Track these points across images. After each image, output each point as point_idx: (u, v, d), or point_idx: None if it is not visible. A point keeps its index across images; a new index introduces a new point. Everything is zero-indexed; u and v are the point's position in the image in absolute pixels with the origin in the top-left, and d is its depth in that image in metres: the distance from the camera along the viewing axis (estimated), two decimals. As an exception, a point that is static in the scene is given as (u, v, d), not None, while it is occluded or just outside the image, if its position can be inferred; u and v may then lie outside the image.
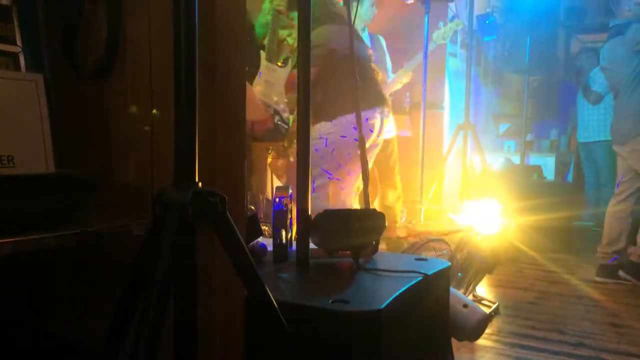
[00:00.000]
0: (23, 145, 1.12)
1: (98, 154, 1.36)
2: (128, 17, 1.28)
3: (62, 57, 1.31)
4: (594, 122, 5.69)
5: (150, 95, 1.28)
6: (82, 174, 1.20)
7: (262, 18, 3.21)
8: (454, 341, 2.02)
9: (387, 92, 3.94)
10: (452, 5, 5.10)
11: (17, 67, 1.22)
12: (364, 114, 2.54)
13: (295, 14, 3.27)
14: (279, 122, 2.70)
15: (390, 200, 4.08)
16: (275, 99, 2.70)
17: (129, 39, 1.29)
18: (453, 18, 4.45)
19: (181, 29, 0.91)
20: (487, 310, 2.63)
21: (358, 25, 3.93)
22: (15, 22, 1.23)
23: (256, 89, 2.68)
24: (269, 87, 2.70)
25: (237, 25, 1.25)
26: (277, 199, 1.74)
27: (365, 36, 4.03)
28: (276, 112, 2.68)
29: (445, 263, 1.75)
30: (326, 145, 2.77)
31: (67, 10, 1.32)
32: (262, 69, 2.72)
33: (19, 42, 1.22)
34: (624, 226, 3.84)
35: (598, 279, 3.90)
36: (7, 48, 1.20)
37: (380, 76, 3.09)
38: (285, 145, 3.25)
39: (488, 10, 5.83)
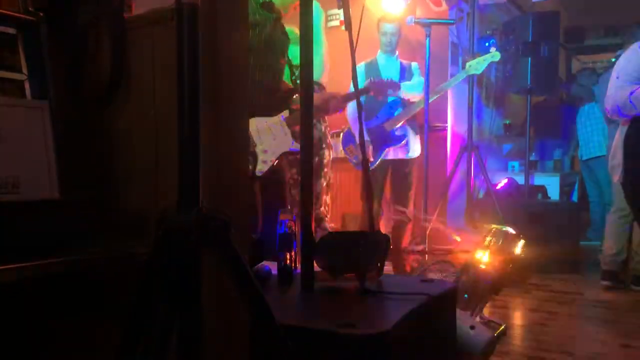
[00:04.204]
0: (28, 171, 1.13)
1: (102, 179, 1.37)
2: (132, 47, 1.30)
3: (67, 84, 1.32)
4: (594, 138, 5.72)
5: (153, 121, 1.29)
6: (86, 199, 1.20)
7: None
8: (461, 364, 1.99)
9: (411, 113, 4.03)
10: (453, 27, 5.15)
11: (23, 95, 1.23)
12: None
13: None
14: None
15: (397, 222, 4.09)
16: (262, 147, 2.70)
17: (133, 67, 1.31)
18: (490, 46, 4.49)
19: (184, 58, 0.92)
20: (495, 332, 2.60)
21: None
22: (21, 51, 1.24)
23: (255, 125, 2.68)
24: (268, 135, 2.70)
25: (240, 55, 1.27)
26: (281, 222, 1.73)
27: (393, 60, 4.14)
28: (251, 154, 2.68)
29: (451, 284, 1.74)
30: None
31: (72, 40, 1.34)
32: (274, 121, 2.73)
33: (24, 70, 1.24)
34: None
35: (605, 283, 4.12)
36: (13, 76, 1.22)
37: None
38: None
39: (488, 32, 5.89)
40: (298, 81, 2.92)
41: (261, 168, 2.69)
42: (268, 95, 2.71)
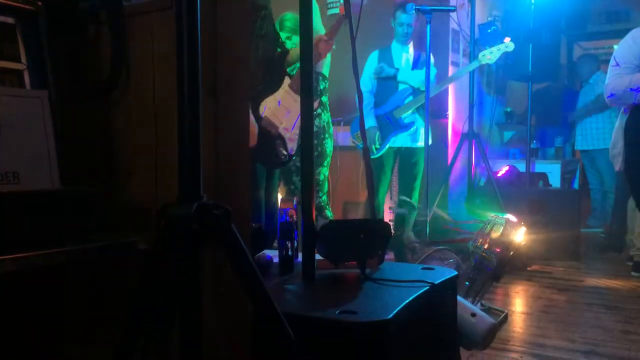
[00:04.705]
0: (28, 162, 1.13)
1: (103, 170, 1.37)
2: (132, 40, 1.29)
3: (66, 74, 1.32)
4: (593, 130, 5.72)
5: (154, 113, 1.28)
6: (87, 190, 1.20)
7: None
8: (462, 351, 2.00)
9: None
10: (453, 15, 5.12)
11: (22, 84, 1.23)
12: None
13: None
14: (280, 149, 2.67)
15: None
16: (283, 126, 2.69)
17: (133, 57, 1.30)
18: (500, 39, 4.49)
19: (184, 52, 0.92)
20: (496, 319, 2.61)
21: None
22: (20, 40, 1.24)
23: (268, 108, 2.67)
24: (282, 111, 2.69)
25: (241, 49, 1.26)
26: (282, 211, 1.74)
27: (406, 50, 4.18)
28: (279, 137, 2.67)
29: (452, 272, 1.75)
30: None
31: (71, 30, 1.33)
32: (281, 95, 2.71)
33: (23, 60, 1.24)
34: None
35: (635, 274, 4.17)
36: (12, 65, 1.22)
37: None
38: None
39: (489, 19, 5.85)
40: (287, 46, 2.94)
41: (291, 146, 2.70)
42: (267, 72, 2.71)
